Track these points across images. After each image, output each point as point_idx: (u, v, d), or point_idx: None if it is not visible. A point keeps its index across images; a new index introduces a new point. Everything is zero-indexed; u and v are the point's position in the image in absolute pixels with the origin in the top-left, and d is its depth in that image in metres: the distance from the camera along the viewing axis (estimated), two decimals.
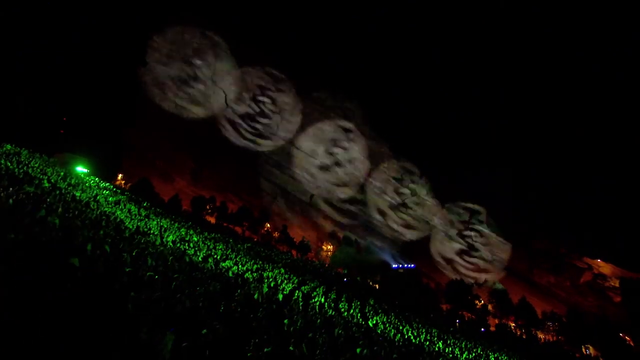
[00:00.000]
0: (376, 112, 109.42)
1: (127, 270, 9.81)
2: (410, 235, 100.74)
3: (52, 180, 16.07)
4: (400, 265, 73.55)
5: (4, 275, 6.34)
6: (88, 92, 68.00)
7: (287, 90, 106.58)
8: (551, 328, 60.83)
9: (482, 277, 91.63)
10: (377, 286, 61.76)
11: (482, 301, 68.19)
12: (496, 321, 62.07)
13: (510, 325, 59.14)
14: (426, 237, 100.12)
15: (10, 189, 10.98)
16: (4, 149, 20.23)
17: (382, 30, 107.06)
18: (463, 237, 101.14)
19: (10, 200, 10.25)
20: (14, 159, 16.54)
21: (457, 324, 48.94)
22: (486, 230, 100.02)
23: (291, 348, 8.66)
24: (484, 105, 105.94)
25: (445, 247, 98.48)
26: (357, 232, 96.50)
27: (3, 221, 9.13)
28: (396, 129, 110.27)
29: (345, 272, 62.02)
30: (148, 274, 10.09)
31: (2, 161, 16.03)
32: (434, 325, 31.44)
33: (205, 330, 7.25)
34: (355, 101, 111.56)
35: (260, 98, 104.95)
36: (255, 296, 14.55)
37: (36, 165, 18.30)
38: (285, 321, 12.99)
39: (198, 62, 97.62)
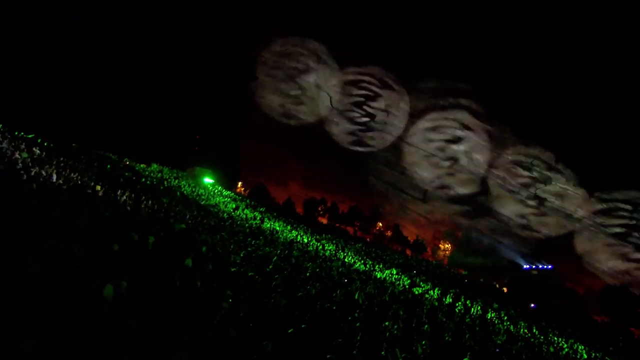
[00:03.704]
0: (495, 94, 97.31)
1: (233, 270, 10.91)
2: (546, 231, 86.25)
3: (185, 191, 19.34)
4: (534, 266, 63.44)
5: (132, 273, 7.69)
6: (211, 110, 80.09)
7: (391, 85, 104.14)
8: None
9: None
10: (505, 289, 54.77)
11: None
12: None
13: None
14: (569, 233, 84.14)
15: (150, 201, 13.47)
16: (152, 167, 25.65)
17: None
18: (624, 232, 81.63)
19: (147, 211, 12.59)
20: (158, 175, 20.69)
21: (620, 342, 39.48)
22: None
23: (382, 353, 8.26)
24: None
25: (597, 245, 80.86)
26: (479, 229, 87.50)
27: (141, 229, 11.20)
28: (521, 110, 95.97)
29: (466, 273, 56.91)
30: (250, 273, 11.02)
31: (151, 177, 19.94)
32: (582, 339, 26.08)
33: (291, 329, 7.50)
34: (468, 85, 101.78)
35: (365, 96, 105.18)
36: (356, 296, 14.48)
37: (173, 180, 22.45)
38: (386, 324, 12.52)
39: (302, 69, 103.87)
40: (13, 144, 15.48)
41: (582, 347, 22.73)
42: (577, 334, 28.70)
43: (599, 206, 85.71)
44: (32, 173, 12.19)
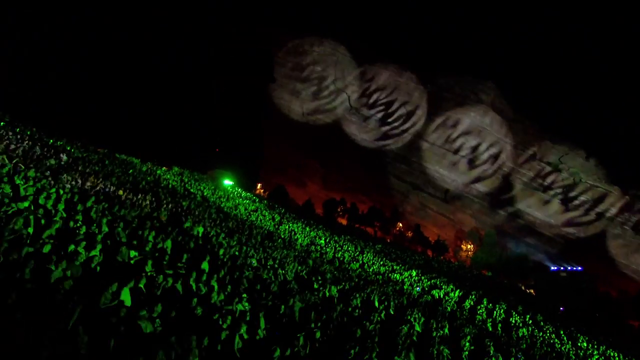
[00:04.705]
0: (518, 89, 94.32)
1: (247, 274, 11.03)
2: (575, 231, 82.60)
3: (205, 194, 19.78)
4: (562, 268, 60.81)
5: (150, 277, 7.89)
6: (230, 112, 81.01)
7: (410, 82, 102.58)
8: None
9: None
10: (532, 292, 52.80)
11: None
12: None
13: None
14: (600, 233, 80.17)
15: (170, 204, 13.82)
16: (173, 170, 26.43)
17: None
18: None
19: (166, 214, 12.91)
20: (178, 178, 21.30)
21: None
22: None
23: (396, 358, 8.15)
24: None
25: (631, 245, 76.69)
26: (503, 229, 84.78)
27: (159, 232, 11.47)
28: (547, 105, 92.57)
29: (490, 274, 55.32)
30: (265, 276, 11.12)
31: (171, 180, 20.48)
32: (615, 346, 24.86)
33: (302, 334, 7.50)
34: (489, 82, 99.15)
35: (383, 94, 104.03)
36: (372, 297, 14.36)
37: (193, 182, 23.04)
38: (403, 327, 12.35)
39: (320, 69, 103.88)
40: (44, 150, 16.30)
41: (616, 353, 21.67)
42: (610, 340, 27.39)
43: (635, 204, 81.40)
44: (60, 179, 12.77)
